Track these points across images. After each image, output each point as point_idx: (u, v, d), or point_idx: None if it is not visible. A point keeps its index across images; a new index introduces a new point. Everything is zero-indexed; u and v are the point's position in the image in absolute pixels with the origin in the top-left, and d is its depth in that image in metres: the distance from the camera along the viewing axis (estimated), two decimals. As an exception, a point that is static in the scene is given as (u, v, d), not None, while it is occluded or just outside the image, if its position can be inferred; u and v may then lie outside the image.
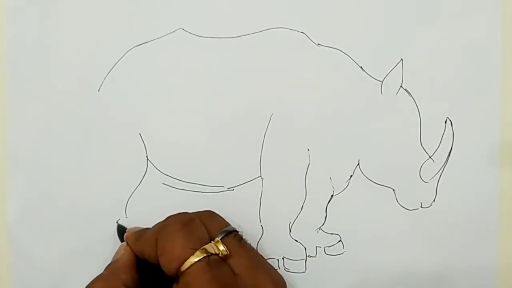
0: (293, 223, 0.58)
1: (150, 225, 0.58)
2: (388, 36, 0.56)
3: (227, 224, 0.54)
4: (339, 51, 0.57)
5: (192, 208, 0.58)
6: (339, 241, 0.58)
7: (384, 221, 0.57)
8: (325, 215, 0.58)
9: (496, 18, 0.56)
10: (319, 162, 0.57)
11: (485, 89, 0.56)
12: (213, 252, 0.49)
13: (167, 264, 0.49)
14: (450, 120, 0.56)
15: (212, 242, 0.50)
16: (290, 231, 0.58)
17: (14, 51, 0.59)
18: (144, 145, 0.58)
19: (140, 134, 0.58)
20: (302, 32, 0.57)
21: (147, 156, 0.58)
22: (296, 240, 0.58)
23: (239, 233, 0.53)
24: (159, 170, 0.59)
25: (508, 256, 0.57)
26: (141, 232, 0.55)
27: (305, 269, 0.58)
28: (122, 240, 0.58)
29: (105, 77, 0.58)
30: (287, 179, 0.58)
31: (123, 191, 0.59)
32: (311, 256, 0.58)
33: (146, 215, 0.59)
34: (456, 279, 0.57)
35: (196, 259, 0.48)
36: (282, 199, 0.58)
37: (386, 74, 0.56)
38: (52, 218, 0.60)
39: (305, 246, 0.58)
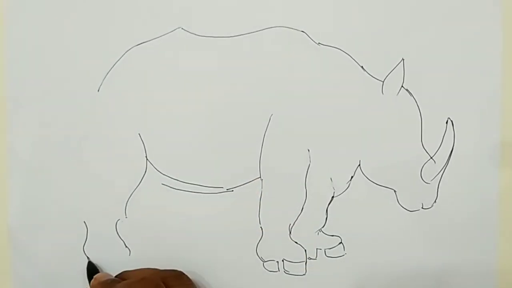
0: (293, 224, 0.57)
1: (149, 225, 0.59)
2: (389, 35, 0.56)
3: None
4: (340, 50, 0.56)
5: (191, 209, 0.58)
6: (339, 243, 0.58)
7: (385, 222, 0.57)
8: (325, 216, 0.57)
9: (496, 19, 0.55)
10: (320, 163, 0.57)
11: (486, 89, 0.56)
12: None
13: None
14: (451, 120, 0.56)
15: None
16: (290, 233, 0.58)
17: (13, 51, 0.59)
18: (144, 145, 0.58)
19: (139, 134, 0.58)
20: (302, 31, 0.56)
21: (146, 157, 0.58)
22: (296, 242, 0.58)
23: None
24: (158, 171, 0.58)
25: (509, 256, 0.56)
26: (108, 286, 0.55)
27: (305, 272, 0.58)
28: (89, 279, 0.58)
29: (105, 77, 0.58)
30: (287, 180, 0.57)
31: (122, 191, 0.59)
32: (311, 258, 0.58)
33: (146, 216, 0.59)
34: (457, 280, 0.57)
35: None
36: (282, 200, 0.57)
37: (387, 74, 0.55)
38: (52, 218, 0.60)
39: (305, 248, 0.58)
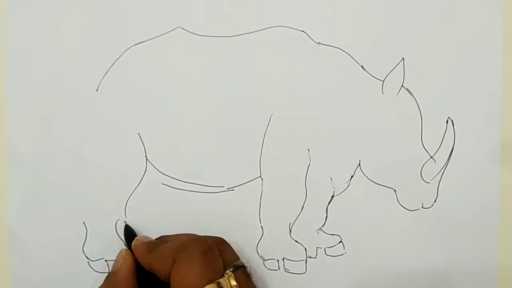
0: (293, 223, 0.57)
1: (149, 225, 0.58)
2: (389, 35, 0.56)
3: (237, 257, 0.54)
4: (340, 50, 0.56)
5: (191, 208, 0.58)
6: (339, 242, 0.58)
7: (385, 221, 0.57)
8: (325, 215, 0.57)
9: (497, 18, 0.55)
10: (320, 162, 0.57)
11: (486, 88, 0.56)
12: (225, 287, 0.49)
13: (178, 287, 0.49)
14: (452, 120, 0.56)
15: (226, 275, 0.50)
16: (290, 231, 0.58)
17: (13, 51, 0.59)
18: (143, 145, 0.58)
19: (139, 134, 0.58)
20: (302, 31, 0.56)
21: (146, 156, 0.58)
22: (296, 241, 0.58)
23: (247, 268, 0.53)
24: (158, 170, 0.58)
25: (509, 256, 0.57)
26: (154, 245, 0.55)
27: (305, 270, 0.58)
28: (127, 242, 0.58)
29: (103, 77, 0.58)
30: (287, 179, 0.57)
31: (122, 191, 0.59)
32: (311, 257, 0.58)
33: (146, 215, 0.59)
34: (457, 280, 0.57)
35: None
36: (282, 199, 0.57)
37: (387, 74, 0.56)
38: (52, 218, 0.59)
39: (306, 247, 0.58)
